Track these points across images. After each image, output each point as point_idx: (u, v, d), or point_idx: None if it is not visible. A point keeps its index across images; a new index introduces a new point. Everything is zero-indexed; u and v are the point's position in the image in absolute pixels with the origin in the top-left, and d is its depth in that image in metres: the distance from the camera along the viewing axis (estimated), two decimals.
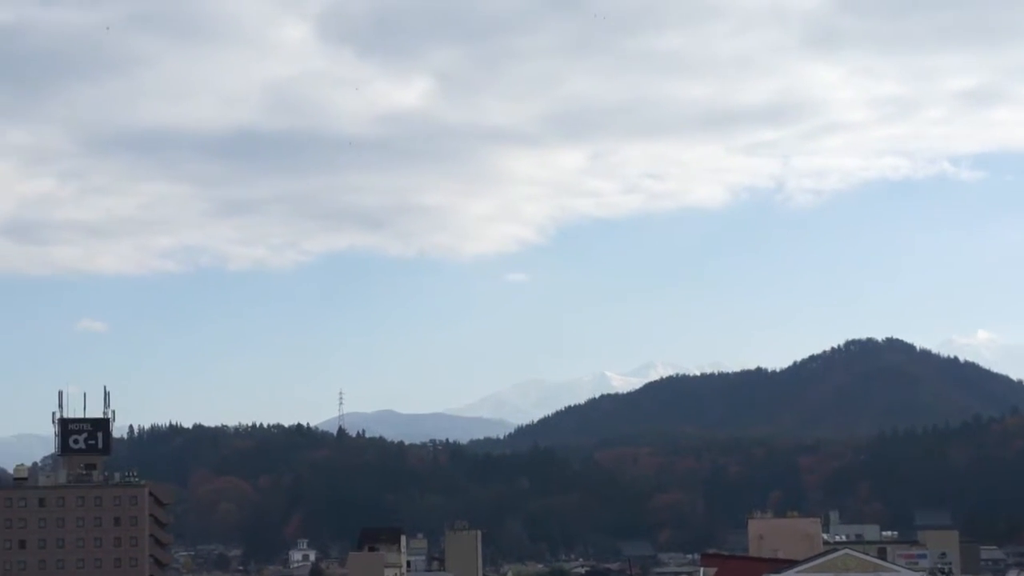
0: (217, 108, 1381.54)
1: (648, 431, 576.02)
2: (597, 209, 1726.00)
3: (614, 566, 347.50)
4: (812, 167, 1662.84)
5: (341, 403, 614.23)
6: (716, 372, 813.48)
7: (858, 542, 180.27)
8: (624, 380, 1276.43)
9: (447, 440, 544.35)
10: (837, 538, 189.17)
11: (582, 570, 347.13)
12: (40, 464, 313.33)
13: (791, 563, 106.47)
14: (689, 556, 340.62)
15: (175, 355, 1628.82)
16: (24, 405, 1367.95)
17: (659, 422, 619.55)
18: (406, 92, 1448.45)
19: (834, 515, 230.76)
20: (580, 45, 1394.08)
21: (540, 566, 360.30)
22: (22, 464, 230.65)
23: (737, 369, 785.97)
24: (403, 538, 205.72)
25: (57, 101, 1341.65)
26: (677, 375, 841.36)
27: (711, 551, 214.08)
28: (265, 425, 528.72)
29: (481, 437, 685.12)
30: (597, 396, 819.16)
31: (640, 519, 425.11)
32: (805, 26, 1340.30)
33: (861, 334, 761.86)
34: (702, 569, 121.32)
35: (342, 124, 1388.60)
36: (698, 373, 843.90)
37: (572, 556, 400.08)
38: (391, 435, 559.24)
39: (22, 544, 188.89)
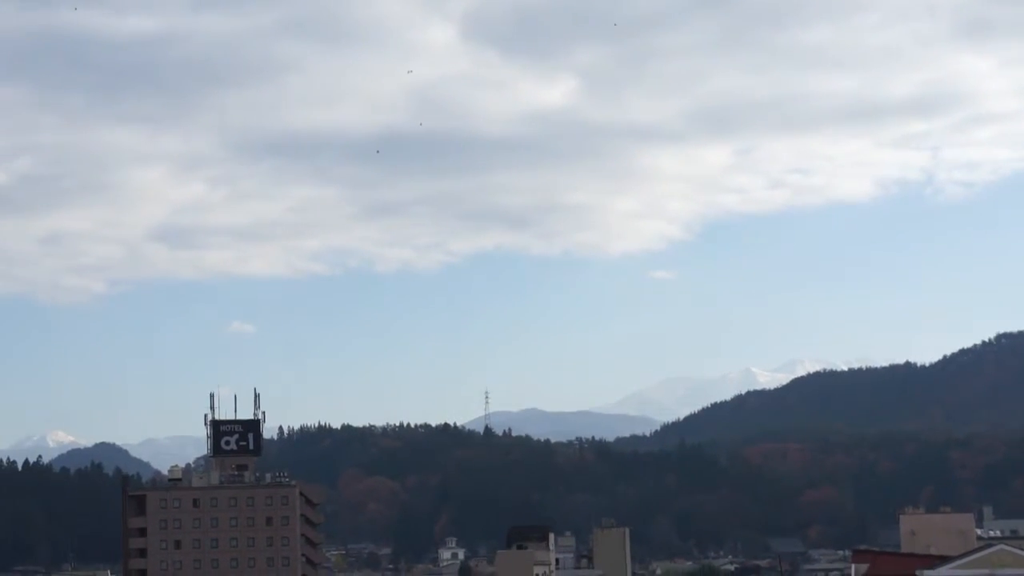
0: (363, 111, 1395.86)
1: (796, 427, 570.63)
2: (742, 205, 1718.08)
3: (763, 563, 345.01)
4: (963, 159, 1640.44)
5: (487, 402, 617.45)
6: (864, 367, 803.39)
7: (1013, 538, 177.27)
8: (770, 376, 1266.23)
9: (593, 438, 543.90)
10: (991, 534, 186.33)
11: (731, 567, 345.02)
12: (193, 465, 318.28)
13: (944, 559, 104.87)
14: (840, 553, 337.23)
15: (324, 356, 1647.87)
16: (177, 407, 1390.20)
17: (807, 418, 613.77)
18: (551, 91, 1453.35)
19: (988, 510, 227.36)
20: (725, 41, 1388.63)
21: (689, 563, 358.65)
22: (176, 465, 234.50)
23: (886, 364, 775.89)
24: (551, 536, 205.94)
25: (207, 108, 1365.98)
26: (825, 370, 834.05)
27: (862, 547, 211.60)
28: (412, 425, 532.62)
29: (627, 435, 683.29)
30: (743, 392, 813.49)
31: (789, 516, 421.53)
32: (955, 16, 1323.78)
33: (1013, 327, 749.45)
34: (853, 566, 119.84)
35: (487, 125, 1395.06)
36: (846, 368, 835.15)
37: (721, 553, 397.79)
38: (537, 433, 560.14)
39: (177, 544, 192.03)
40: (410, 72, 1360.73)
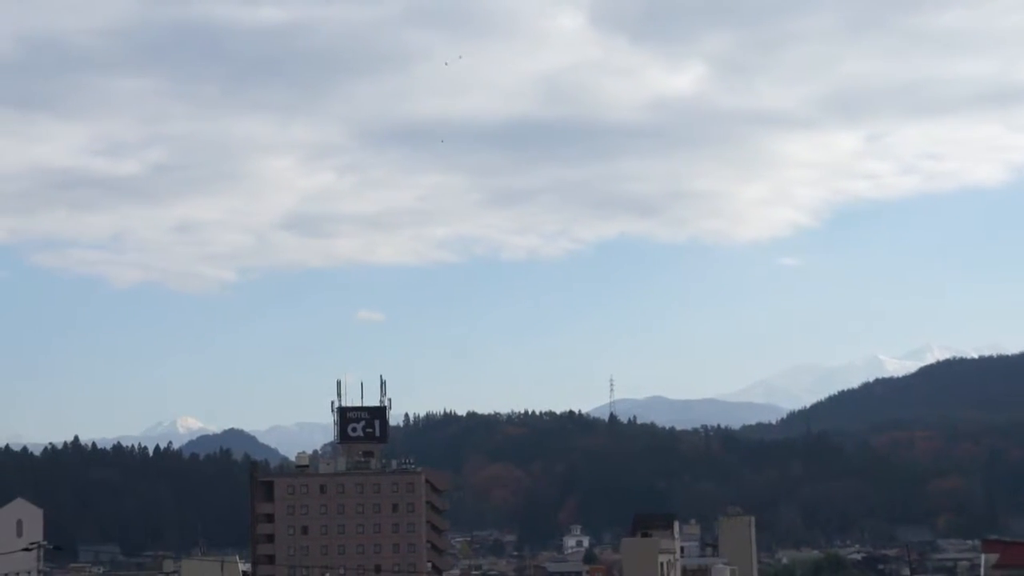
0: (492, 100, 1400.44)
1: (924, 415, 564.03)
2: (872, 191, 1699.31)
3: (891, 552, 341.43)
4: None
5: (612, 390, 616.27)
6: (996, 355, 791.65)
7: None
8: (898, 364, 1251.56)
9: (718, 426, 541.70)
10: None
11: (858, 556, 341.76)
12: (320, 452, 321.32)
13: None
14: (969, 542, 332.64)
15: (450, 344, 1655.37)
16: (305, 394, 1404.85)
17: (935, 406, 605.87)
18: (679, 78, 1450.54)
19: None
20: (856, 26, 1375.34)
21: (815, 552, 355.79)
22: (303, 452, 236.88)
23: (1017, 351, 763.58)
24: (676, 524, 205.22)
25: (336, 97, 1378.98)
26: (955, 358, 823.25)
27: (992, 537, 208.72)
28: (537, 412, 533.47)
29: (753, 423, 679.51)
30: (870, 380, 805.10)
31: (916, 505, 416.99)
32: None
33: None
34: (983, 556, 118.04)
35: (615, 112, 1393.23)
36: (976, 355, 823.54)
37: (848, 542, 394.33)
38: (662, 421, 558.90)
39: (304, 530, 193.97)
40: (535, 59, 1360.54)
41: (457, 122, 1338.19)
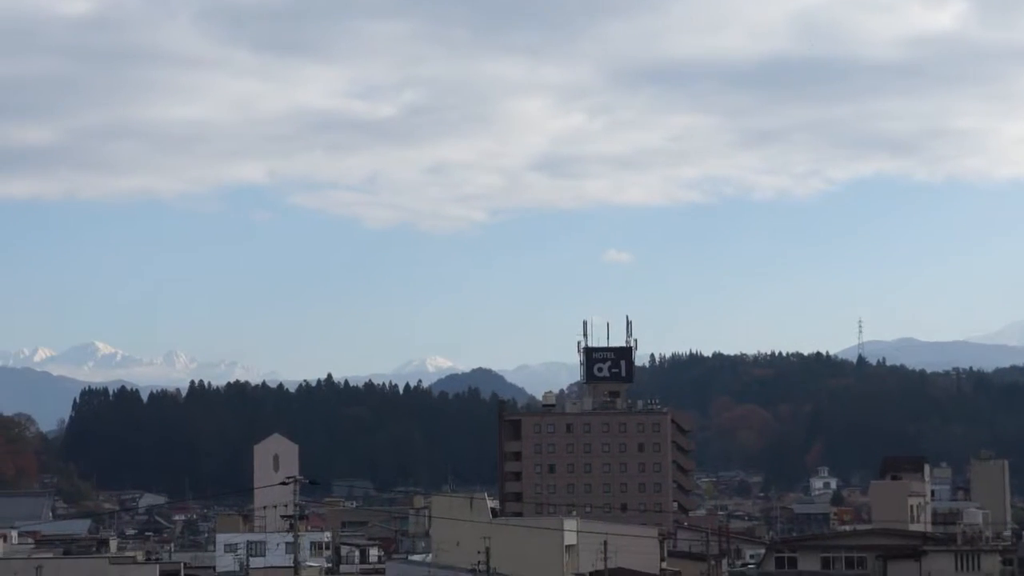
0: (745, 38, 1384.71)
1: None
2: None
3: None
4: None
5: (860, 331, 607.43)
6: None
7: None
8: None
9: (971, 368, 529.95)
10: None
11: None
12: (567, 391, 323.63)
13: None
14: None
15: (697, 285, 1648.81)
16: (552, 334, 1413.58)
17: None
18: (939, 14, 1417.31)
19: None
20: None
21: None
22: (550, 391, 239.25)
23: None
24: (926, 467, 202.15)
25: (589, 38, 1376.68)
26: None
27: None
28: (784, 353, 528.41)
29: (1006, 365, 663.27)
30: None
31: None
32: None
33: None
34: None
35: (872, 49, 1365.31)
36: None
37: None
38: (912, 363, 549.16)
39: (551, 468, 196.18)
40: None
41: (710, 61, 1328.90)
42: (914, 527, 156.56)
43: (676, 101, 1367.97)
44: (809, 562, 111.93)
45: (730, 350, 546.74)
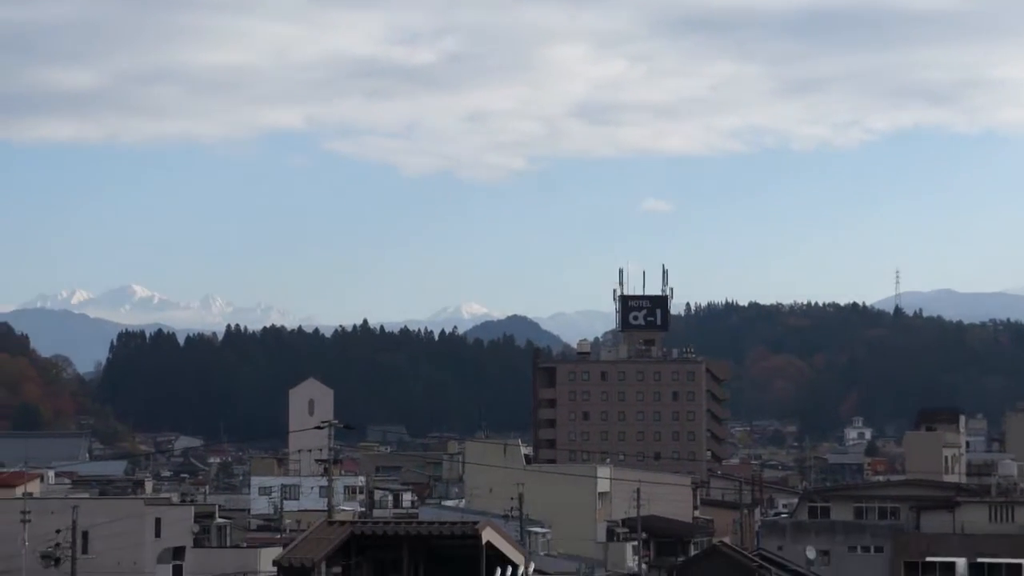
0: None
1: None
2: None
3: None
4: None
5: (897, 282, 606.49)
6: None
7: None
8: None
9: (1008, 320, 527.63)
10: None
11: None
12: (601, 339, 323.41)
13: None
14: None
15: (734, 234, 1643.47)
16: (587, 282, 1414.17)
17: None
18: None
19: None
20: None
21: None
22: (585, 339, 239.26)
23: None
24: (962, 419, 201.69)
25: None
26: None
27: None
28: (820, 303, 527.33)
29: None
30: None
31: None
32: None
33: None
34: None
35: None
36: None
37: None
38: (949, 315, 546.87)
39: (585, 416, 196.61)
40: None
41: (752, 9, 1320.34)
42: (948, 478, 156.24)
43: (717, 49, 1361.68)
44: (842, 512, 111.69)
45: (766, 300, 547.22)
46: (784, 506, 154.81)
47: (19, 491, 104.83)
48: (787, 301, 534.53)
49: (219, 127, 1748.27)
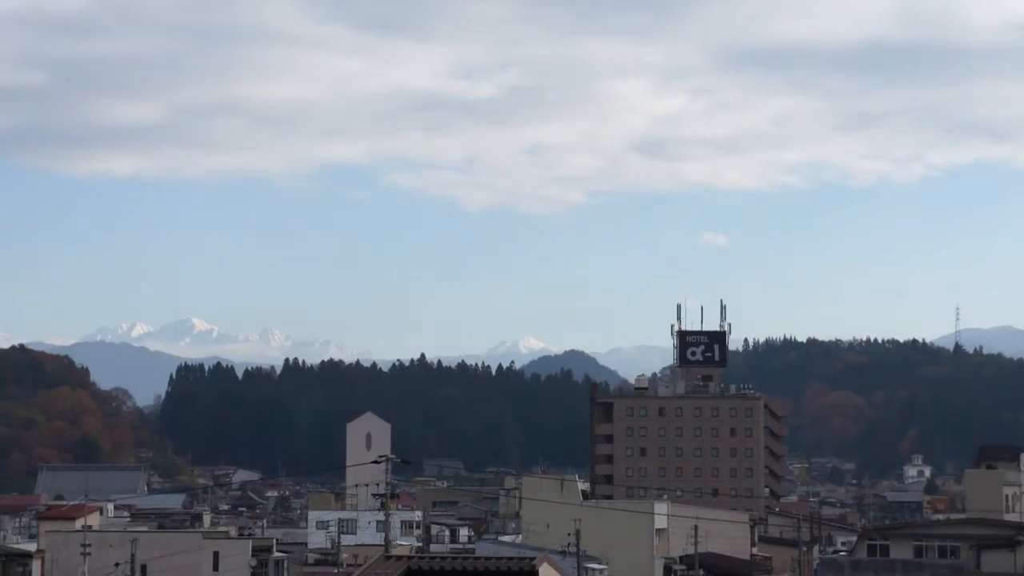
0: (847, 22, 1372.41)
1: None
2: None
3: None
4: None
5: (958, 319, 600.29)
6: None
7: None
8: None
9: None
10: None
11: None
12: (659, 375, 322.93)
13: None
14: None
15: (793, 270, 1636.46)
16: (645, 317, 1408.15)
17: None
18: None
19: None
20: None
21: None
22: (643, 375, 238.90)
23: None
24: (1023, 457, 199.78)
25: (691, 19, 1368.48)
26: None
27: None
28: (879, 340, 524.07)
29: None
30: None
31: None
32: None
33: None
34: None
35: (974, 33, 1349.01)
36: None
37: None
38: (1010, 352, 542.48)
39: (643, 451, 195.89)
40: None
41: (812, 44, 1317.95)
42: (1009, 517, 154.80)
43: (777, 83, 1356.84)
44: (901, 550, 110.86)
45: (825, 336, 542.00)
46: (843, 544, 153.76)
47: (79, 524, 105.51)
48: (846, 337, 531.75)
49: (279, 161, 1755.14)
